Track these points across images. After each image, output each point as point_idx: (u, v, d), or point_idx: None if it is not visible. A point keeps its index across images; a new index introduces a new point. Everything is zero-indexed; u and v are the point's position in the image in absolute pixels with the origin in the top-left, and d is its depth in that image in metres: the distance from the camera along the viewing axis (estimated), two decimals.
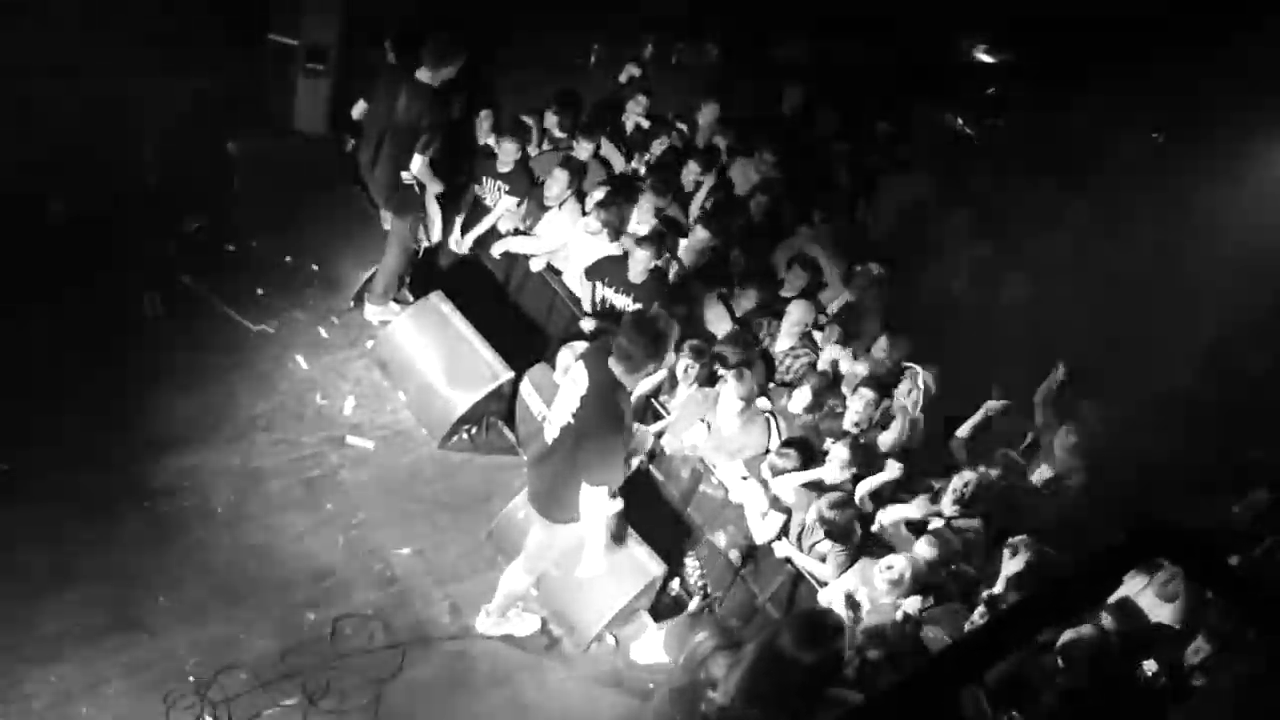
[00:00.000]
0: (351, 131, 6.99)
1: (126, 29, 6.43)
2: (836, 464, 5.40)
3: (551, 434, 4.27)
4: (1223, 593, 4.92)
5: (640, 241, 6.36)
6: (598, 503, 4.15)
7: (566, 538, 4.43)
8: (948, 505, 5.36)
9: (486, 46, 7.37)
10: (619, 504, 4.53)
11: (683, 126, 8.03)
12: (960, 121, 9.68)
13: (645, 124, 7.87)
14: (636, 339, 3.94)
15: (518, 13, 7.89)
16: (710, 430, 5.73)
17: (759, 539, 5.46)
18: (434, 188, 6.23)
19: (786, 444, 5.60)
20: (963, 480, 5.34)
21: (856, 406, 5.67)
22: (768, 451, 5.70)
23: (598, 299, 6.49)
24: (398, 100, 5.73)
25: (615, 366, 4.04)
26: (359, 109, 6.26)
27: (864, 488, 5.45)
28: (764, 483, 5.50)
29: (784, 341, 6.31)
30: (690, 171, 7.37)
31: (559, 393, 4.30)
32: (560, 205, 6.86)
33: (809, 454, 5.57)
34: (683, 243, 6.85)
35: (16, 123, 6.18)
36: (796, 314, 6.25)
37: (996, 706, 4.60)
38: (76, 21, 6.29)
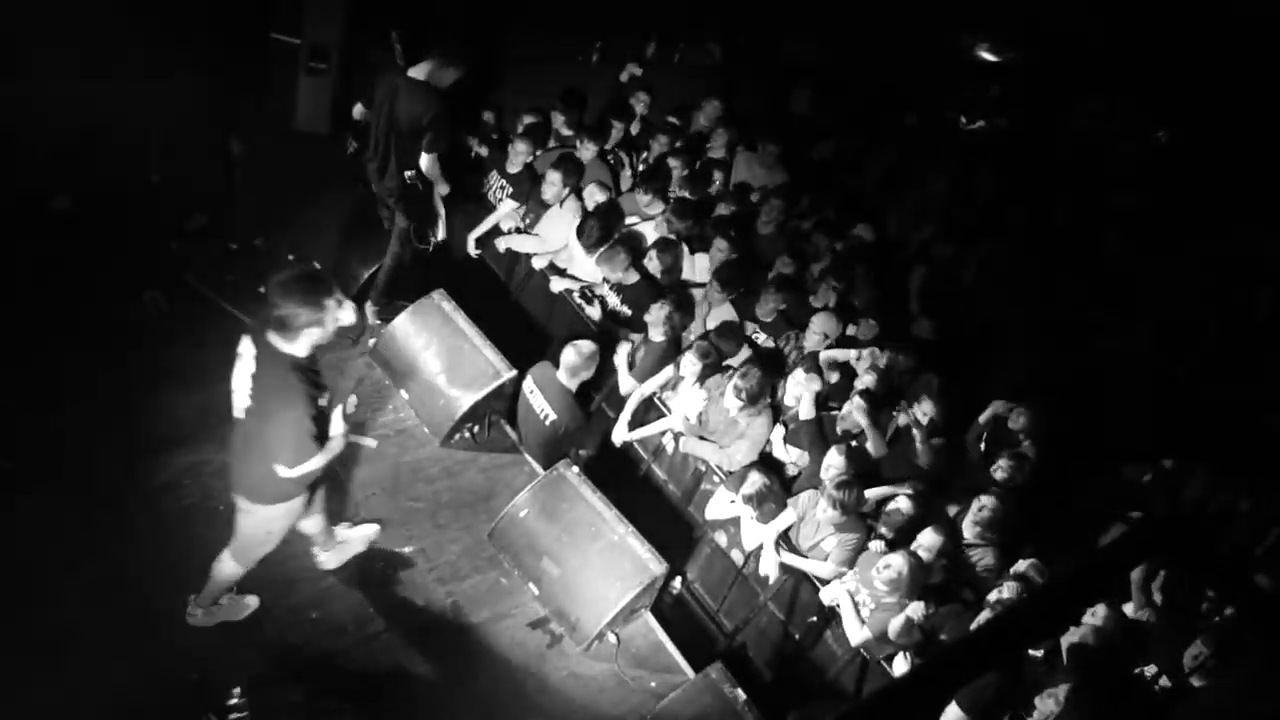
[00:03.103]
0: (353, 131, 7.00)
1: (129, 28, 6.43)
2: (834, 471, 5.40)
3: (239, 415, 4.11)
4: (1223, 591, 4.96)
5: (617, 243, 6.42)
6: (292, 484, 4.05)
7: (273, 519, 4.28)
8: (968, 528, 5.35)
9: (489, 45, 7.38)
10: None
11: (675, 120, 8.03)
12: (964, 119, 9.69)
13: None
14: (286, 300, 3.78)
15: (520, 10, 7.89)
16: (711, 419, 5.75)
17: (748, 544, 5.47)
18: (441, 187, 6.23)
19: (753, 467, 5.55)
20: (980, 505, 5.33)
21: (844, 413, 5.67)
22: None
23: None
24: (397, 101, 5.71)
25: (276, 339, 3.88)
26: (358, 111, 6.26)
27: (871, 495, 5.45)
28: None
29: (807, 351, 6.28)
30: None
31: (237, 372, 4.09)
32: (560, 204, 6.88)
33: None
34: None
35: (19, 120, 6.19)
36: (820, 325, 6.23)
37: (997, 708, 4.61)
38: (79, 20, 6.28)
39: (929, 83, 9.52)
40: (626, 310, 6.46)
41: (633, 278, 6.47)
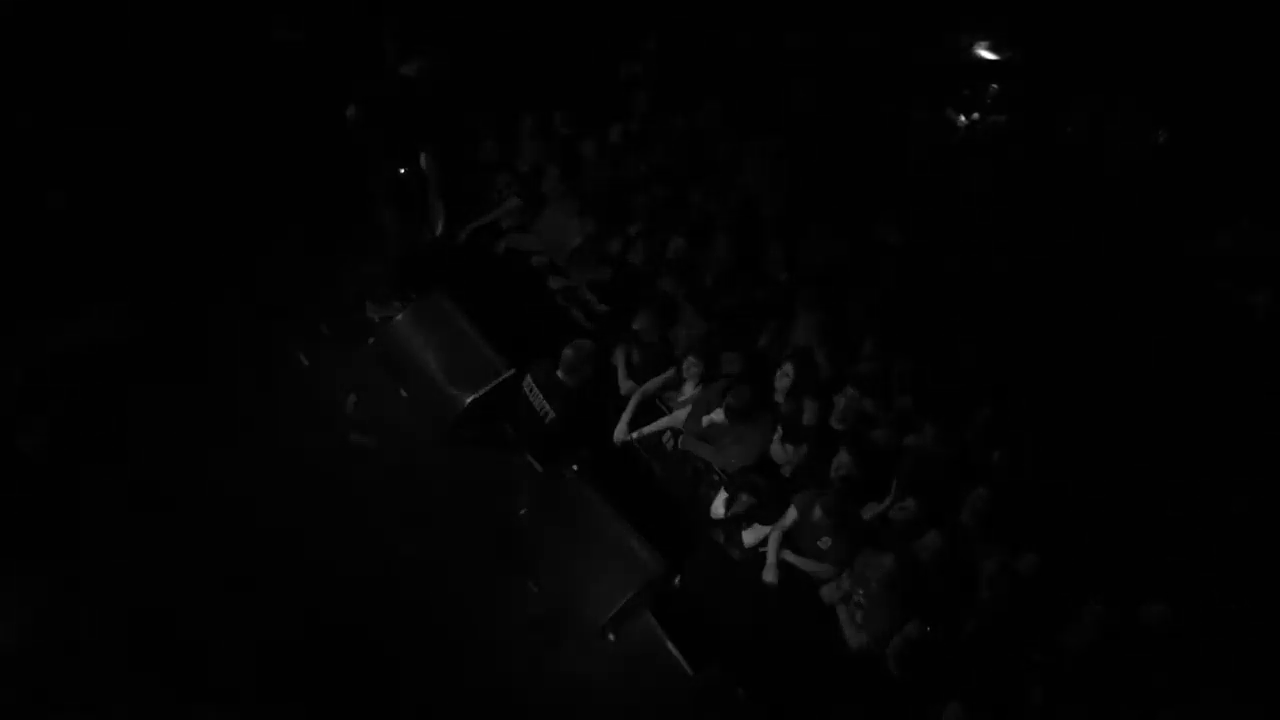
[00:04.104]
0: (351, 131, 6.98)
1: (129, 27, 6.42)
2: (844, 471, 5.41)
3: None
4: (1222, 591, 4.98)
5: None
6: None
7: None
8: (966, 519, 5.36)
9: (488, 44, 7.37)
10: None
11: (675, 120, 8.02)
12: (962, 118, 9.67)
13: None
14: None
15: (518, 10, 7.88)
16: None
17: (747, 543, 5.48)
18: (437, 184, 6.23)
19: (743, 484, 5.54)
20: (978, 495, 5.34)
21: (839, 405, 5.68)
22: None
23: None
24: (391, 99, 5.72)
25: None
26: (351, 111, 6.26)
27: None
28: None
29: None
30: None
31: None
32: (559, 202, 6.88)
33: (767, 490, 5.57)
34: None
35: (18, 118, 6.18)
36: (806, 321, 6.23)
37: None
38: (79, 19, 6.28)
39: (929, 80, 9.51)
40: (605, 306, 6.47)
41: (605, 275, 6.49)
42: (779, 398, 5.92)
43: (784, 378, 5.90)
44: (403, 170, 5.99)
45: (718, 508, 5.65)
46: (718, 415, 5.71)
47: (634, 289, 6.52)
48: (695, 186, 7.35)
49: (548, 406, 5.73)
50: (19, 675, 4.29)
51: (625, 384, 6.14)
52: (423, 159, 5.95)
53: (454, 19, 6.99)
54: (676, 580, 5.82)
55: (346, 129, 6.91)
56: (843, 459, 5.38)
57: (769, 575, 5.38)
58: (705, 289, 6.57)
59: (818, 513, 5.29)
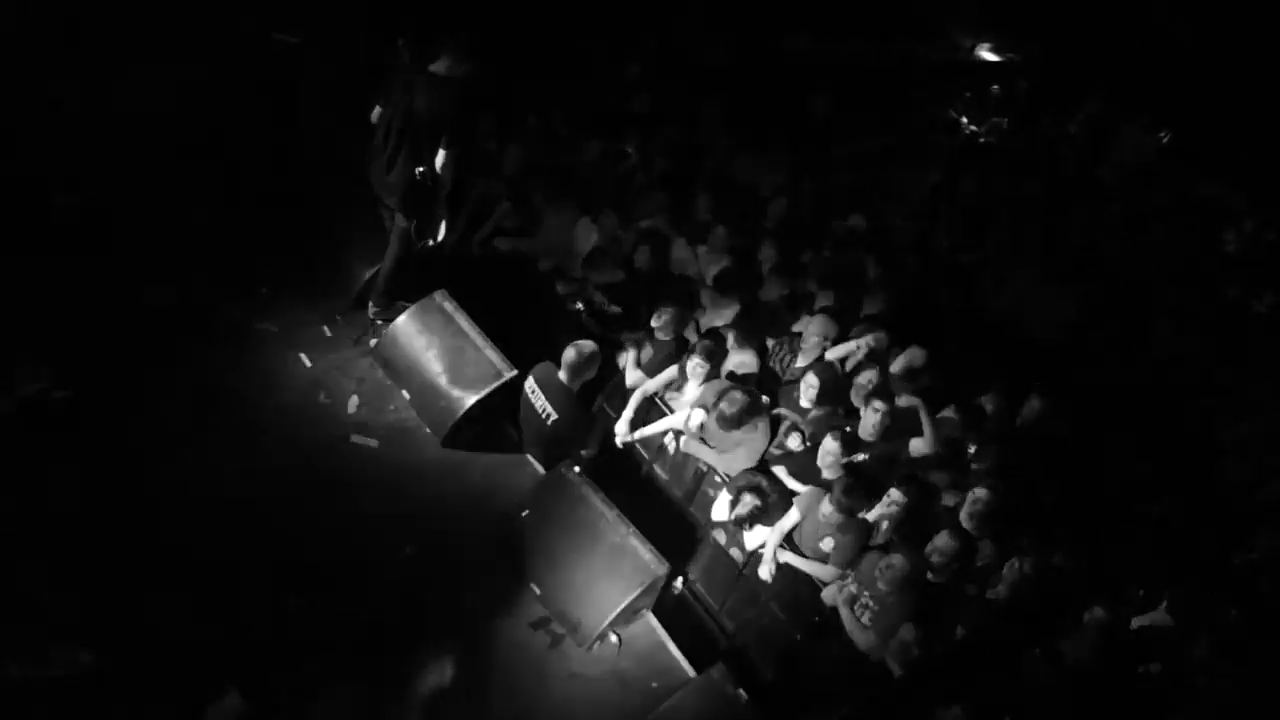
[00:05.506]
0: (355, 132, 6.99)
1: (130, 27, 6.43)
2: (831, 458, 5.41)
3: None
4: (1225, 592, 4.97)
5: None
6: None
7: None
8: (965, 521, 5.35)
9: (489, 46, 7.37)
10: None
11: (679, 126, 8.04)
12: (965, 120, 9.67)
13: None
14: None
15: (520, 12, 7.88)
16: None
17: (749, 544, 5.47)
18: (445, 186, 6.23)
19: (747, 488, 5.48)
20: (974, 498, 5.32)
21: (872, 420, 5.66)
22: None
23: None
24: (415, 98, 5.72)
25: None
26: (376, 113, 6.26)
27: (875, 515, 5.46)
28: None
29: (804, 359, 6.27)
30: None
31: None
32: (558, 208, 6.90)
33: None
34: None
35: (23, 118, 6.19)
36: (817, 327, 6.21)
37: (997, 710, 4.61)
38: (81, 19, 6.28)
39: (932, 82, 9.51)
40: (616, 308, 6.48)
41: (619, 277, 6.49)
42: (805, 404, 5.92)
43: (809, 389, 5.90)
44: (420, 170, 5.98)
45: (720, 509, 5.64)
46: (710, 418, 5.70)
47: (648, 290, 6.50)
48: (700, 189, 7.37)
49: (550, 408, 5.73)
50: None
51: (633, 375, 6.14)
52: (441, 157, 5.93)
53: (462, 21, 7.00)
54: (678, 582, 5.83)
55: (366, 128, 6.93)
56: (829, 445, 5.38)
57: (764, 571, 5.37)
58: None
59: (821, 514, 5.28)
